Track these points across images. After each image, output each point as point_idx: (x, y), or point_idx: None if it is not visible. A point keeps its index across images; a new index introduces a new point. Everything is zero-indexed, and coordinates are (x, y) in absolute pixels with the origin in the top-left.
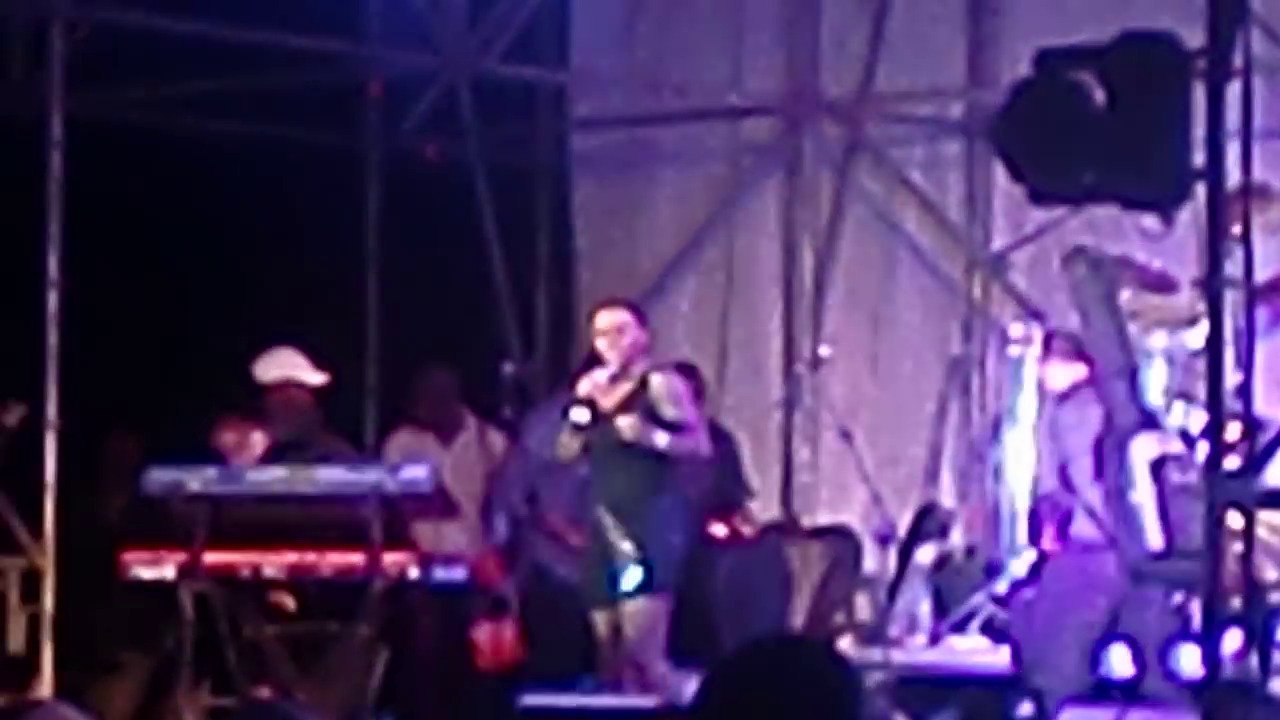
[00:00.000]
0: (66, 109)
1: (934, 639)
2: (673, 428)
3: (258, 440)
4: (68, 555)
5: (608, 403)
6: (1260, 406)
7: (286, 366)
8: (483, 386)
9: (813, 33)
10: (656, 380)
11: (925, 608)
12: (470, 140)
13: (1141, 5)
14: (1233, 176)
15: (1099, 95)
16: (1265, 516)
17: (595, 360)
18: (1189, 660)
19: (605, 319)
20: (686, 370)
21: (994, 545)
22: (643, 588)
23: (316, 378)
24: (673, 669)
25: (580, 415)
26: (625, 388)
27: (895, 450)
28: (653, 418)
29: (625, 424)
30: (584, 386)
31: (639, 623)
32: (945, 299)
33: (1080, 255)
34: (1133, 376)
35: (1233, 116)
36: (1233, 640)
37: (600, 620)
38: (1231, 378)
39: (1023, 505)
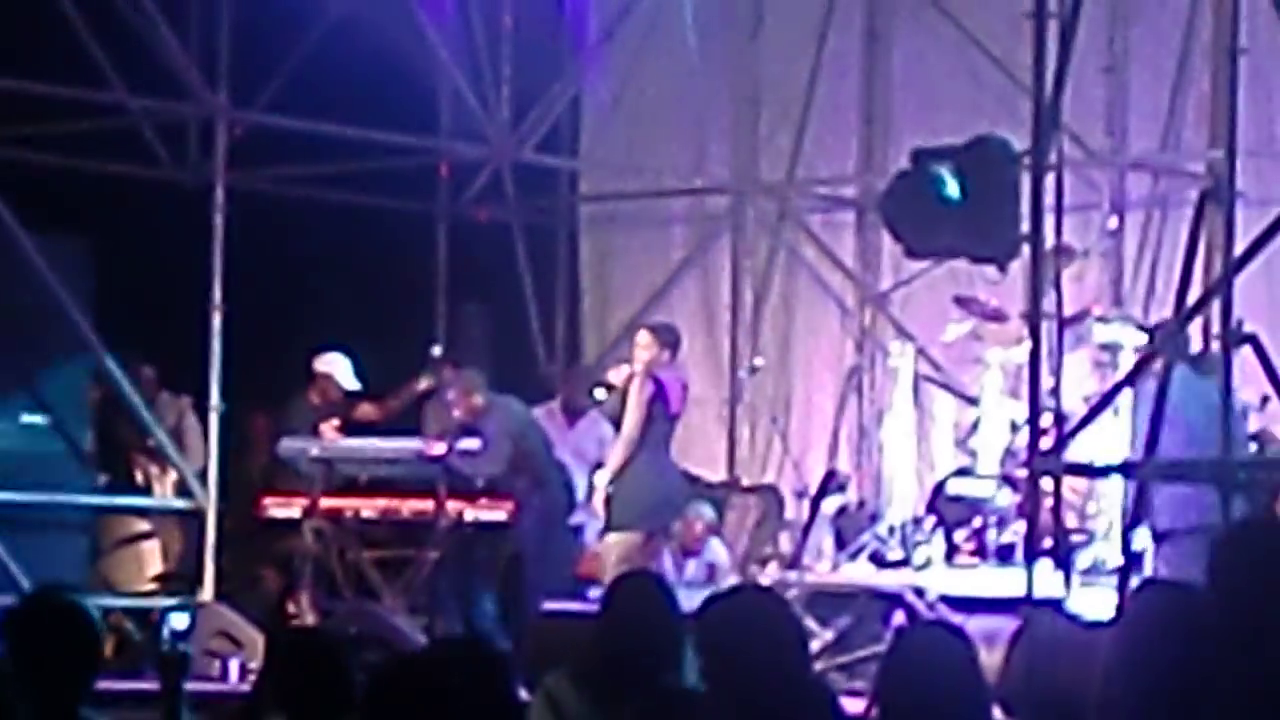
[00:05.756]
0: (226, 182)
1: (835, 566)
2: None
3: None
4: (224, 499)
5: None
6: (1065, 404)
7: (330, 365)
8: (516, 381)
9: (753, 135)
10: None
11: (829, 543)
12: (511, 208)
13: (985, 118)
14: (1048, 240)
15: (955, 182)
16: (1068, 481)
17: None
18: None
19: (639, 336)
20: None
21: (877, 499)
22: None
23: (352, 384)
24: None
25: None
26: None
27: (808, 432)
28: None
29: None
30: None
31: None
32: (845, 324)
33: None
34: None
35: (1048, 198)
36: (1044, 568)
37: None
38: (1046, 382)
39: (897, 472)
